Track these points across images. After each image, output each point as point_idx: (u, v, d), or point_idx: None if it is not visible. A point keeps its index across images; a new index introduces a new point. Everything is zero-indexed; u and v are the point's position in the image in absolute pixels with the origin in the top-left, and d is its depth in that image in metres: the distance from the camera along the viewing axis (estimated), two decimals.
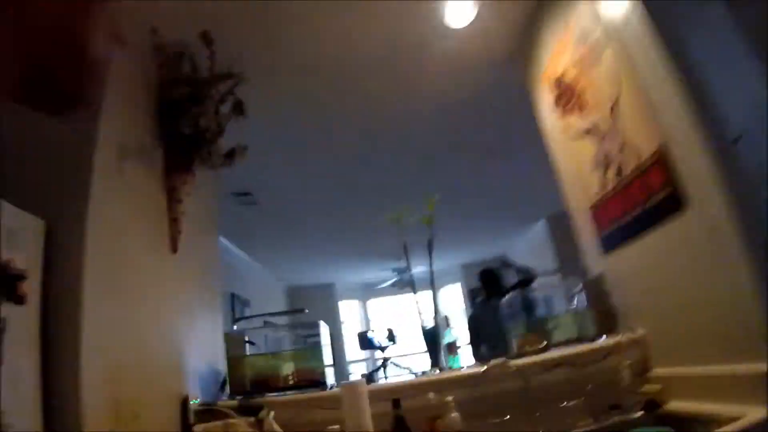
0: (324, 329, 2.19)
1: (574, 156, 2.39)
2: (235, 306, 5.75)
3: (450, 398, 1.71)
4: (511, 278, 4.27)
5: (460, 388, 1.80)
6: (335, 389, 1.93)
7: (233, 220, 5.05)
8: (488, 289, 4.41)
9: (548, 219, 6.41)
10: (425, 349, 2.18)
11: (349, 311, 9.46)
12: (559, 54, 2.43)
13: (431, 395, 1.75)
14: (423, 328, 2.21)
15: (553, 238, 6.26)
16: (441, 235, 2.49)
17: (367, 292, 9.61)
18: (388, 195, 4.64)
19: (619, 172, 2.06)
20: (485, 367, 1.78)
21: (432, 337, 2.16)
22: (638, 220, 1.96)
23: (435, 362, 2.14)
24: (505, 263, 4.22)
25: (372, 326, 9.44)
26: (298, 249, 6.75)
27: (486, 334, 4.02)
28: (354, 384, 1.68)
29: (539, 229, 6.74)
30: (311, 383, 1.96)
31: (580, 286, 2.21)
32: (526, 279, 4.15)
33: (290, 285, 8.63)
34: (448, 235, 6.95)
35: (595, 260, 2.28)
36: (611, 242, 2.16)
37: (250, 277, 6.62)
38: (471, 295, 8.80)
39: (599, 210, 2.22)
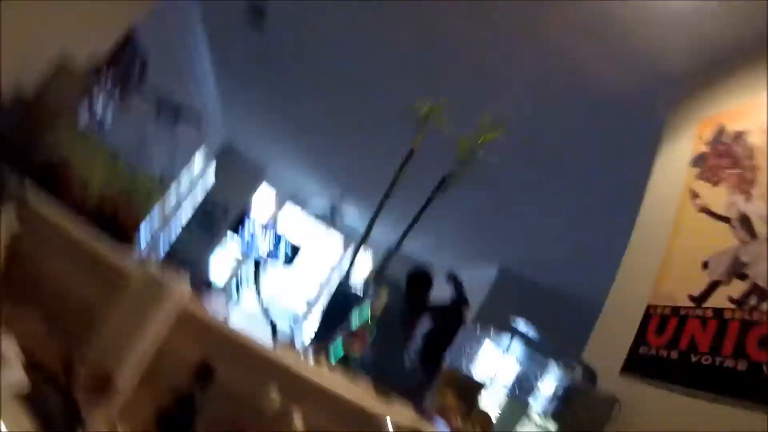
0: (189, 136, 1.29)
1: (686, 236, 1.60)
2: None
3: (298, 417, 0.88)
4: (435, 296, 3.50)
5: (323, 410, 0.97)
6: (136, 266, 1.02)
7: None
8: (410, 294, 3.62)
9: (501, 271, 5.64)
10: (321, 312, 1.35)
11: (262, 203, 8.39)
12: (739, 111, 1.65)
13: (272, 393, 0.90)
14: (340, 285, 1.38)
15: (496, 294, 5.50)
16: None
17: (290, 198, 8.57)
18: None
19: (745, 300, 1.28)
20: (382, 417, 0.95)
21: (342, 305, 1.33)
22: (719, 373, 1.20)
23: (319, 337, 1.31)
24: (453, 278, 3.45)
25: (276, 221, 8.38)
26: (267, 100, 5.44)
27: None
28: (152, 275, 0.81)
29: (485, 276, 5.92)
30: (119, 229, 1.06)
31: (561, 387, 1.44)
32: (461, 304, 3.41)
33: (224, 142, 7.46)
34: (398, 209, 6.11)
35: (605, 372, 1.50)
36: (653, 369, 1.39)
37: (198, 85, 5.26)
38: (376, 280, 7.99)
39: (669, 320, 1.44)
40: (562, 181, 3.61)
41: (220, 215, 7.44)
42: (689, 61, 2.05)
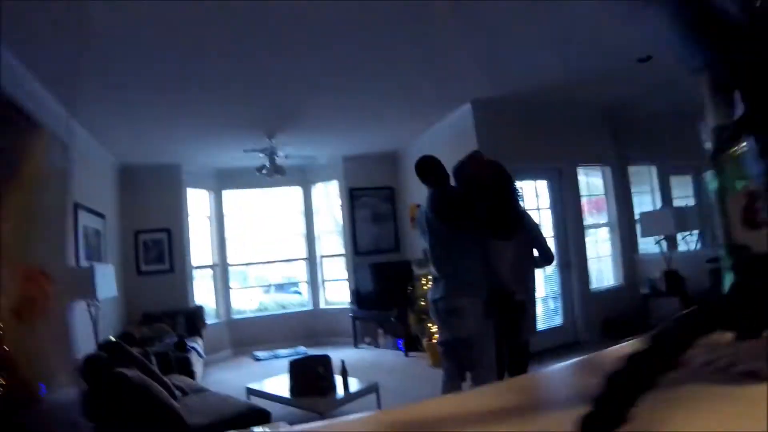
0: None
1: None
2: None
3: None
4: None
5: None
6: None
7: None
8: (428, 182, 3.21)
9: (474, 104, 5.23)
10: None
11: (198, 204, 7.55)
12: None
13: None
14: None
15: (480, 131, 5.07)
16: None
17: (222, 180, 7.70)
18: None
19: None
20: None
21: None
22: None
23: None
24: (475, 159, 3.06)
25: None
26: (132, 106, 4.62)
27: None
28: None
29: (458, 118, 5.45)
30: None
31: None
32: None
33: (123, 162, 6.52)
34: (328, 115, 5.55)
35: None
36: None
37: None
38: (352, 196, 7.47)
39: None
40: None
41: (164, 241, 6.87)
42: None
